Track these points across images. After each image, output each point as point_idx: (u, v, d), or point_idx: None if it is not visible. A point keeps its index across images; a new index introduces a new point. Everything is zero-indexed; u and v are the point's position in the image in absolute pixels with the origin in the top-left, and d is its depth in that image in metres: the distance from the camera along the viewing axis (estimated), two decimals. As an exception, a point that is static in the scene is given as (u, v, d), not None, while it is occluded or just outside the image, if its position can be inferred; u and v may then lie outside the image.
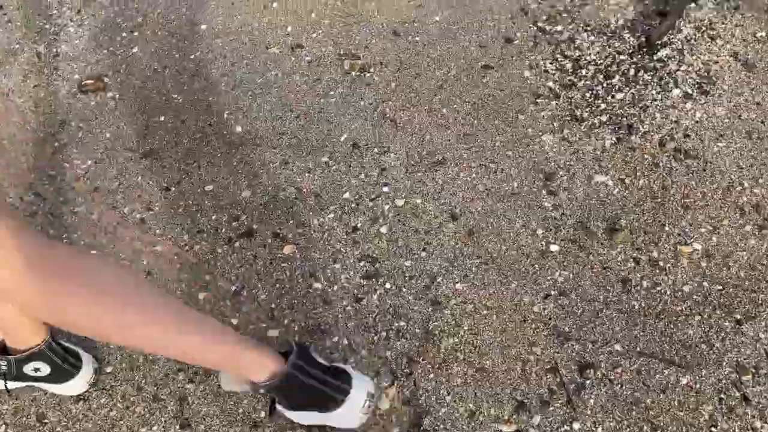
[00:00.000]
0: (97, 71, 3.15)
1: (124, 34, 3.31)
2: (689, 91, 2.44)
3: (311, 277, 2.24)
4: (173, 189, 2.61)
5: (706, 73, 2.49)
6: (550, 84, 2.63)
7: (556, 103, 2.55)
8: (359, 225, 2.35)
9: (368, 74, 2.85)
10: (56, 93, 3.07)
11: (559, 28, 2.82)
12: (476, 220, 2.28)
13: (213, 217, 2.49)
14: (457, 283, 2.13)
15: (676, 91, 2.44)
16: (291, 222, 2.42)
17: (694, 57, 2.55)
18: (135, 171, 2.70)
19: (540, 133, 2.48)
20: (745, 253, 2.02)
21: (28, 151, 2.82)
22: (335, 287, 2.20)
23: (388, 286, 2.17)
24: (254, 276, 2.29)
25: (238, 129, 2.77)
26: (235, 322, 2.17)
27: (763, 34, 2.55)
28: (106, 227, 2.53)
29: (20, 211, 2.59)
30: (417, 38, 2.94)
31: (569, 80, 2.62)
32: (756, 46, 2.53)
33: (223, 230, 2.44)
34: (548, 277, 2.09)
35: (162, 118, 2.88)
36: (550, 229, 2.20)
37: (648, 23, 2.71)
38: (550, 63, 2.70)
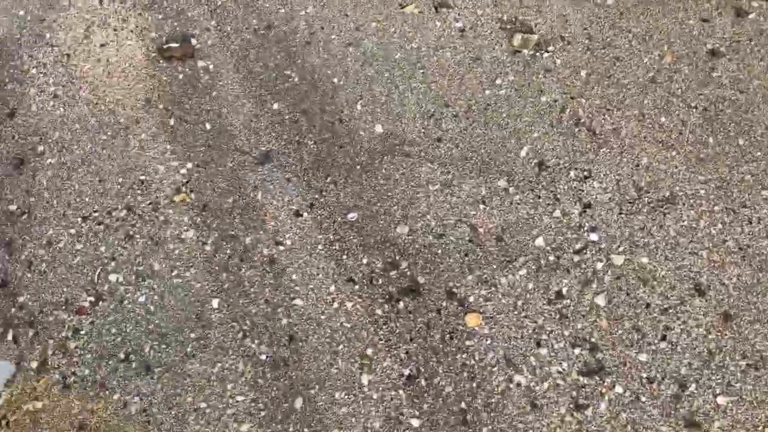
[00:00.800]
0: (180, 29, 2.40)
1: (207, -26, 2.52)
2: None
3: (510, 367, 1.69)
4: (305, 215, 1.99)
5: None
6: (813, 87, 1.89)
7: (825, 119, 1.84)
8: (564, 290, 1.76)
9: (546, 54, 2.10)
10: (132, 58, 2.36)
11: (817, -3, 2.02)
12: (732, 298, 1.67)
13: (363, 261, 1.89)
14: (718, 395, 1.57)
15: None
16: (469, 277, 1.82)
17: None
18: (251, 183, 2.06)
19: (806, 165, 1.79)
20: None
21: (105, 143, 2.17)
22: (545, 384, 1.65)
23: (619, 389, 1.61)
24: (431, 356, 1.74)
25: (379, 128, 2.09)
26: (415, 423, 1.65)
27: None
28: (225, 264, 1.95)
29: (110, 230, 2.01)
30: (609, 0, 2.15)
31: (841, 83, 1.87)
32: None
33: (380, 281, 1.86)
34: None
35: (275, 106, 2.19)
36: (841, 321, 1.60)
37: None
38: (810, 54, 1.94)
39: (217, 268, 1.92)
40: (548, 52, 2.08)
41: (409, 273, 1.82)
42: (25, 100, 2.29)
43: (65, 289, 1.93)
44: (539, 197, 1.86)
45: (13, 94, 2.31)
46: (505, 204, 1.87)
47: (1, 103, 2.29)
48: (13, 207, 2.10)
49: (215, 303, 1.87)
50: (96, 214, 2.05)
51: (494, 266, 1.79)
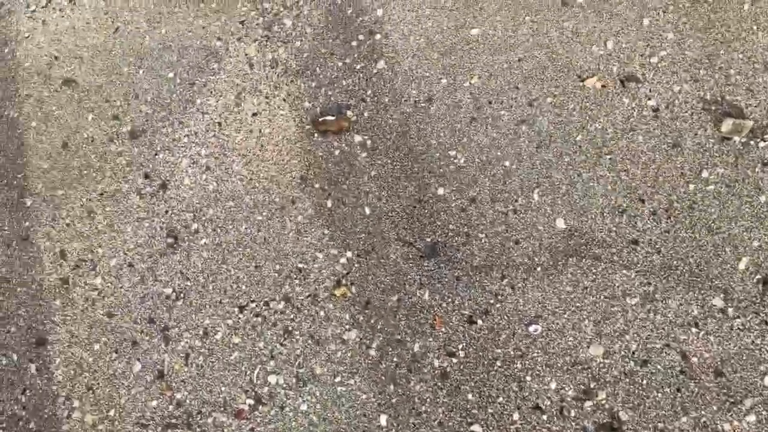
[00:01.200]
0: (335, 99, 2.23)
1: (361, 36, 2.34)
2: None
3: None
4: (480, 322, 1.76)
5: None
6: None
7: None
8: (809, 448, 1.44)
9: (763, 144, 1.77)
10: (285, 130, 2.21)
11: None
12: None
13: (551, 385, 1.64)
14: None
15: None
16: (683, 418, 1.53)
17: None
18: (417, 279, 1.86)
19: None
20: None
21: (261, 225, 2.03)
22: None
23: None
24: None
25: (561, 223, 1.83)
26: None
27: None
28: (392, 373, 1.75)
29: (268, 324, 1.86)
30: (840, 80, 1.79)
31: None
32: None
33: (572, 413, 1.61)
34: None
35: (440, 191, 1.97)
36: None
37: None
38: None
39: (383, 377, 1.73)
40: (765, 141, 1.75)
41: (607, 406, 1.56)
42: (177, 172, 2.19)
43: (223, 388, 1.80)
44: (764, 322, 1.55)
45: (165, 164, 2.22)
46: (723, 329, 1.57)
47: (154, 174, 2.20)
48: (168, 290, 2.00)
49: (383, 420, 1.68)
50: (253, 305, 1.91)
51: (714, 407, 1.50)
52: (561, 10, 2.08)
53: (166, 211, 2.12)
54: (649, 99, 1.89)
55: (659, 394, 1.53)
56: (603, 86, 1.95)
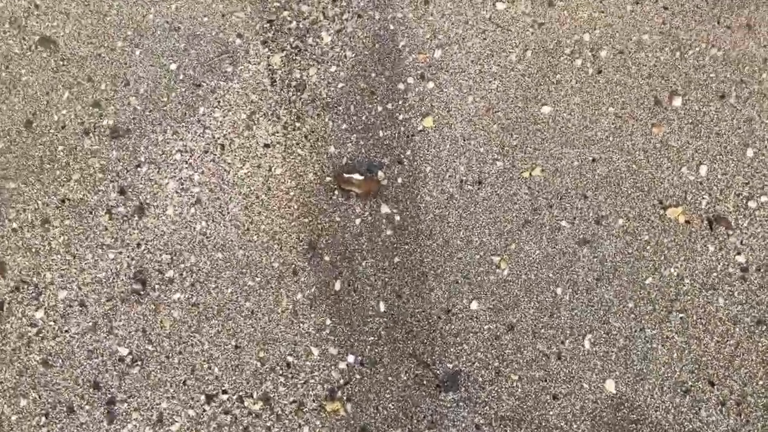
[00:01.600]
0: (367, 150, 1.79)
1: (410, 80, 1.88)
2: None
3: None
4: (495, 492, 1.40)
5: None
6: None
7: None
8: None
9: None
10: (301, 176, 1.76)
11: None
12: None
13: None
14: None
15: None
16: None
17: None
18: (427, 414, 1.49)
19: None
20: None
21: (250, 292, 1.61)
22: None
23: None
24: None
25: (610, 386, 1.47)
26: None
27: None
28: None
29: (238, 426, 1.46)
30: None
31: None
32: None
33: None
34: None
35: (474, 305, 1.58)
36: None
37: None
38: None
39: None
40: None
41: None
42: (161, 196, 1.73)
43: (170, 501, 1.41)
44: None
45: (148, 181, 1.75)
46: None
47: (131, 191, 1.73)
48: (123, 350, 1.56)
49: None
50: (224, 397, 1.50)
51: None
52: (652, 111, 1.67)
53: (139, 245, 1.66)
54: (739, 254, 1.52)
55: None
56: (687, 222, 1.57)
